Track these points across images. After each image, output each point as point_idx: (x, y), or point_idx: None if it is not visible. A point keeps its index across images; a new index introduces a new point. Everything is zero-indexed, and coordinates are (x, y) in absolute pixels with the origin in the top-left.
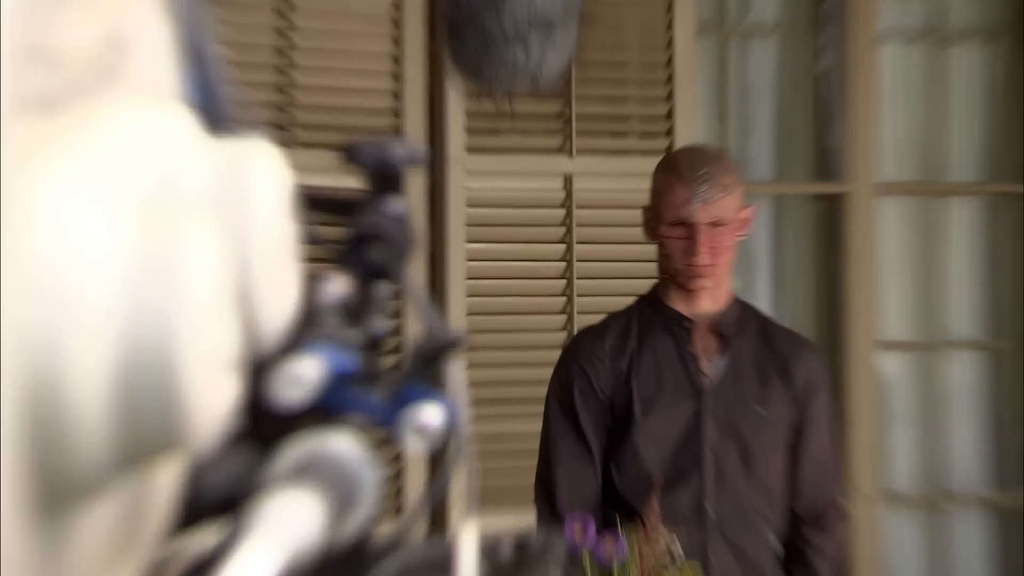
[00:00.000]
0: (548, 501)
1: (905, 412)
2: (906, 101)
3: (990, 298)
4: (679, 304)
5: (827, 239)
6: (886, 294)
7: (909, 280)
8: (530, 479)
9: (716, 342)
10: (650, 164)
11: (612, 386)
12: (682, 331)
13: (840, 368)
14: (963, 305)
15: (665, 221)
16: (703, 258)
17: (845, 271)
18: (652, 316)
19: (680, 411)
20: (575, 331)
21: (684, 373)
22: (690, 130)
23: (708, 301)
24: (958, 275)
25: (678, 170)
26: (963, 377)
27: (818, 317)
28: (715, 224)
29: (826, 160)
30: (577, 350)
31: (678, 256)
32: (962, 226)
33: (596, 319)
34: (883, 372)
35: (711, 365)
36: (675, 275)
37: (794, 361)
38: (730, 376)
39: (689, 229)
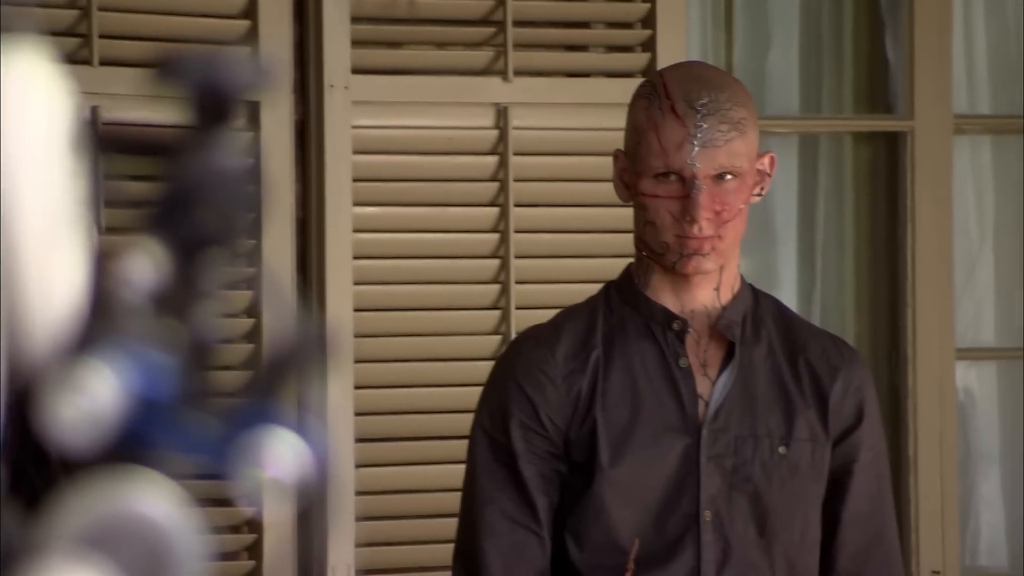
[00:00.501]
0: None
1: (996, 451)
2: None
3: None
4: (666, 295)
5: (881, 197)
6: (968, 279)
7: (1002, 254)
8: (447, 552)
9: (719, 351)
10: (622, 90)
11: (567, 417)
12: (670, 335)
13: (901, 387)
14: None
15: (648, 173)
16: (704, 227)
17: (908, 244)
18: (626, 313)
19: (666, 453)
20: (511, 333)
21: (672, 397)
22: (678, 41)
23: (707, 291)
24: None
25: (668, 98)
26: None
27: (869, 313)
28: (721, 177)
29: (878, 85)
30: (516, 364)
31: (667, 224)
32: None
33: (545, 316)
34: (965, 392)
35: (711, 385)
36: (661, 252)
37: (831, 378)
38: (738, 401)
39: (684, 184)
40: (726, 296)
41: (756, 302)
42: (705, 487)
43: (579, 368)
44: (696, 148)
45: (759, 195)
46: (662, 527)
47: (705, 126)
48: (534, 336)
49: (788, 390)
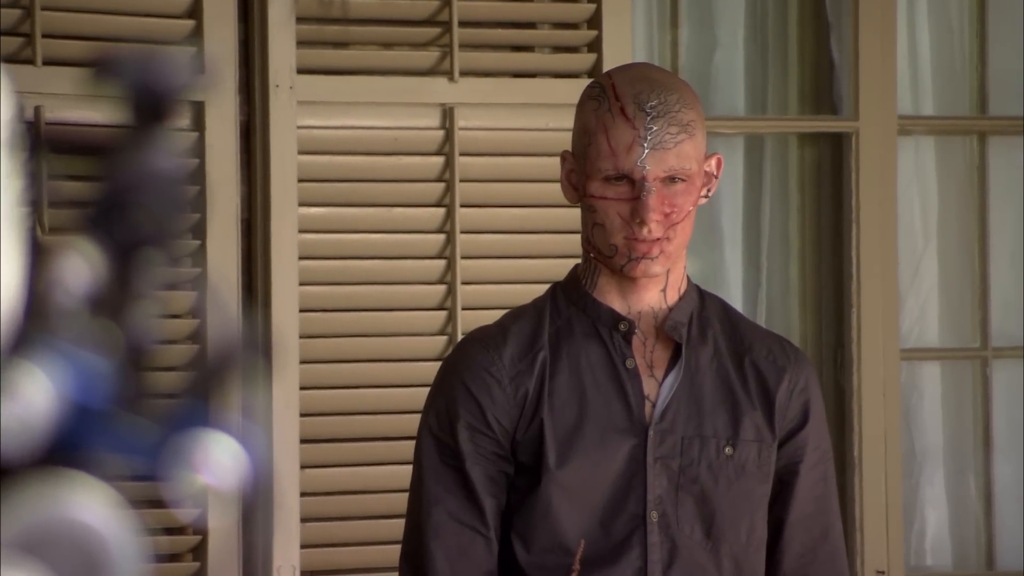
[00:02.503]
0: None
1: (941, 451)
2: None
3: None
4: (612, 297)
5: (826, 198)
6: (912, 280)
7: (946, 255)
8: (392, 553)
9: (665, 352)
10: (568, 91)
11: (514, 419)
12: (616, 336)
13: (845, 387)
14: (1020, 295)
15: (597, 175)
16: (653, 229)
17: (853, 244)
18: (572, 314)
19: (613, 454)
20: (457, 333)
21: (619, 398)
22: (624, 42)
23: (654, 292)
24: (1012, 250)
25: (619, 99)
26: (1021, 398)
27: (814, 313)
28: (671, 179)
29: (823, 86)
30: (462, 365)
31: (616, 226)
32: (1015, 177)
33: (491, 317)
34: (909, 392)
35: (658, 386)
36: (610, 255)
37: (777, 379)
38: (685, 402)
39: (633, 187)
40: (672, 297)
41: (702, 303)
42: (652, 488)
43: (526, 369)
44: (646, 150)
45: (706, 197)
46: (609, 528)
47: (655, 128)
48: (480, 338)
49: (734, 391)
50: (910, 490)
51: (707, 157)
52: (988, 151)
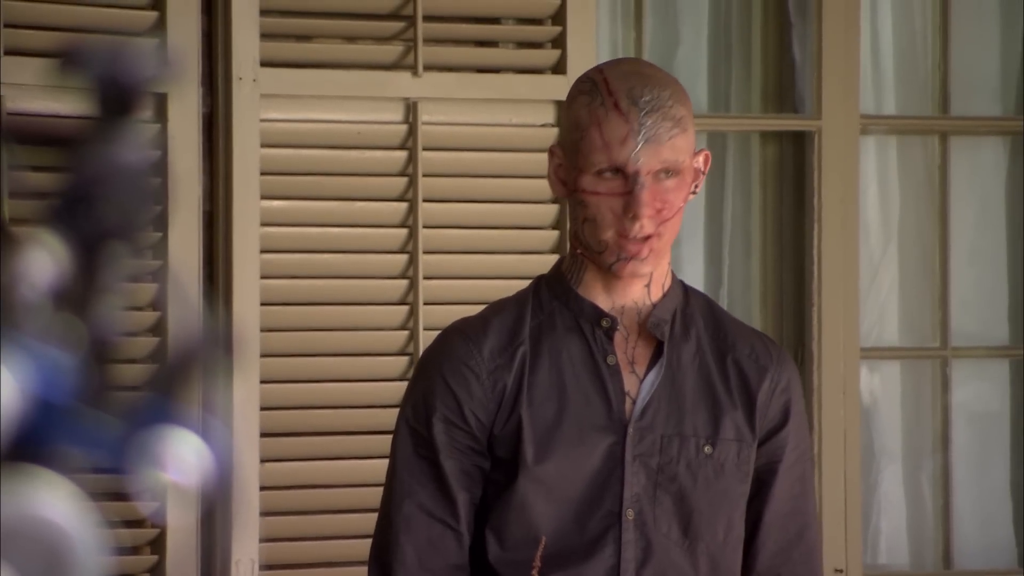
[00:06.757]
0: None
1: (900, 450)
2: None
3: (1020, 282)
4: (596, 292)
5: (788, 196)
6: (873, 279)
7: (907, 254)
8: (351, 548)
9: (647, 349)
10: (531, 87)
11: (492, 413)
12: (599, 332)
13: (805, 386)
14: (980, 295)
15: (590, 169)
16: (645, 224)
17: (815, 243)
18: (555, 308)
19: (591, 451)
20: (419, 328)
21: (599, 394)
22: (588, 38)
23: (638, 288)
24: (972, 250)
25: (612, 94)
26: (980, 398)
27: (775, 312)
28: (663, 173)
29: (786, 85)
30: (442, 357)
31: (607, 222)
32: (977, 177)
33: (453, 312)
34: (868, 392)
35: (639, 383)
36: (599, 251)
37: (759, 378)
38: (665, 400)
39: (626, 181)
40: (656, 294)
41: (687, 300)
42: (629, 486)
43: (505, 364)
44: (640, 144)
45: (693, 193)
46: (584, 525)
47: (649, 122)
48: (461, 329)
49: (715, 389)
50: (868, 489)
51: (696, 153)
52: (950, 151)
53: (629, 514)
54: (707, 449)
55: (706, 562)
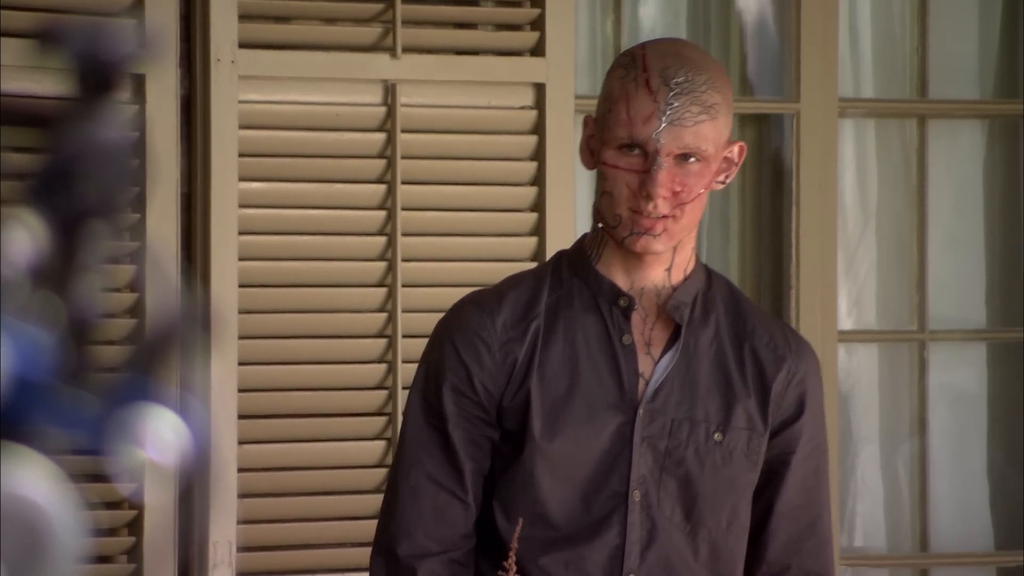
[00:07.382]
0: (388, 552)
1: (877, 433)
2: None
3: (997, 266)
4: (616, 271)
5: (766, 179)
6: (851, 262)
7: (884, 237)
8: (330, 530)
9: (665, 332)
10: (510, 69)
11: (501, 385)
12: (616, 311)
13: None
14: (957, 278)
15: (613, 142)
16: (659, 204)
17: (793, 226)
18: (574, 285)
19: (600, 430)
20: (398, 310)
21: (612, 374)
22: (567, 21)
23: (659, 271)
24: (950, 234)
25: (646, 71)
26: (957, 382)
27: (753, 295)
28: (685, 158)
29: (765, 67)
30: (454, 326)
31: (623, 197)
32: (954, 161)
33: (431, 294)
34: (845, 375)
35: (653, 364)
36: (614, 224)
37: (775, 368)
38: (678, 383)
39: (646, 159)
40: (677, 277)
41: (709, 284)
42: (636, 467)
43: (517, 337)
44: (663, 124)
45: (722, 183)
46: (590, 504)
47: (676, 104)
48: (476, 300)
49: (730, 377)
50: (846, 472)
51: (729, 143)
52: (928, 134)
53: (635, 495)
54: (717, 436)
55: (707, 548)
